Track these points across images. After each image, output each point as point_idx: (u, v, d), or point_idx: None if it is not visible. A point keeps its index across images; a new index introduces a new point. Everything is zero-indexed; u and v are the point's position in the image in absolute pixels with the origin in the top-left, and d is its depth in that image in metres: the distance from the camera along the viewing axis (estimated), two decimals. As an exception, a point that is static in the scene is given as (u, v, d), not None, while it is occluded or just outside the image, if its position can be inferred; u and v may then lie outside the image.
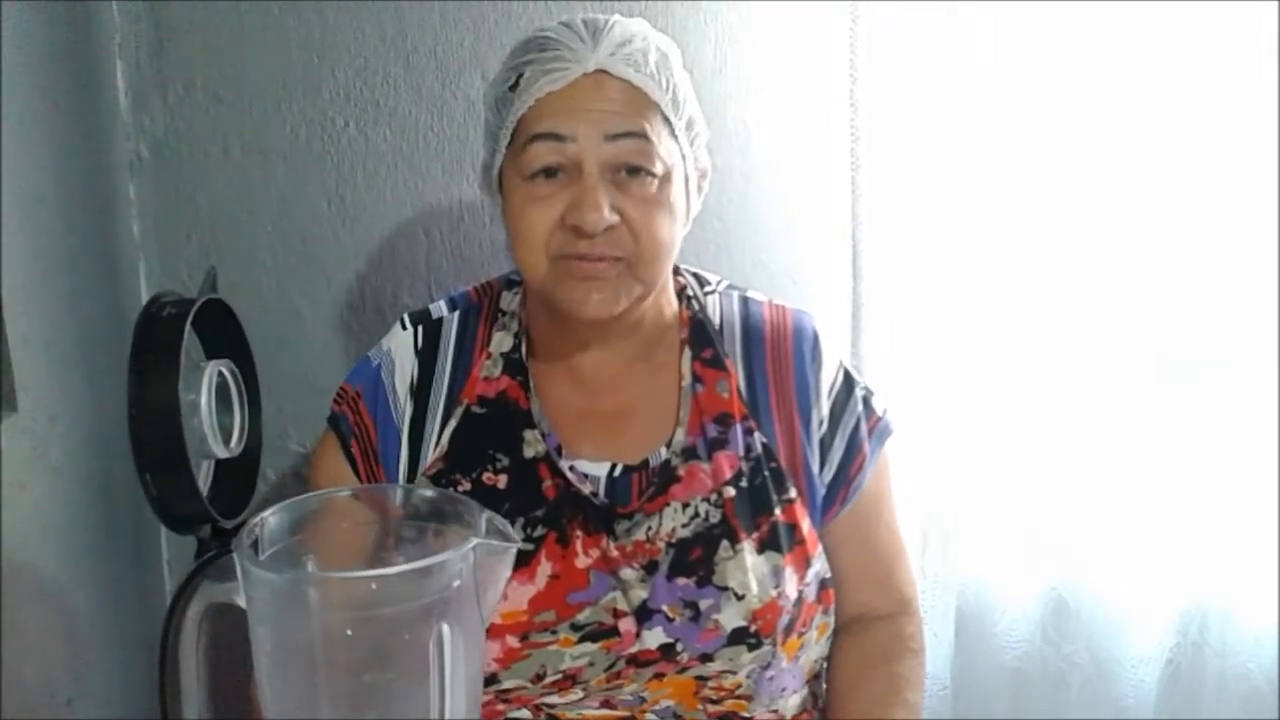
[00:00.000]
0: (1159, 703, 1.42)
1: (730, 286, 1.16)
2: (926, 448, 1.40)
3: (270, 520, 0.85)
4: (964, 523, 1.42)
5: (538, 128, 0.97)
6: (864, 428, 1.10)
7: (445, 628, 0.78)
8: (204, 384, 0.95)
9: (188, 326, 0.92)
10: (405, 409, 1.08)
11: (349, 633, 0.79)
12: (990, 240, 1.37)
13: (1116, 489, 1.37)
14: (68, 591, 1.16)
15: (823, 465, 1.08)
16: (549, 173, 0.98)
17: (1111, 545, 1.39)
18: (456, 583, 0.79)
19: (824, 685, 1.16)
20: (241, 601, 0.82)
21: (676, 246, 1.03)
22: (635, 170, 0.97)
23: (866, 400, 1.12)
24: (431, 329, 1.11)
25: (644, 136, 0.97)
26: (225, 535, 0.95)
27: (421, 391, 1.09)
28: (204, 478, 0.99)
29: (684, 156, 1.02)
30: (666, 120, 0.99)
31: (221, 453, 0.98)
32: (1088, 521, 1.39)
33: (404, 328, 1.12)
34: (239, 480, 1.04)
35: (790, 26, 1.41)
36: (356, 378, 1.12)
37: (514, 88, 0.99)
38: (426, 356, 1.10)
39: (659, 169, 0.98)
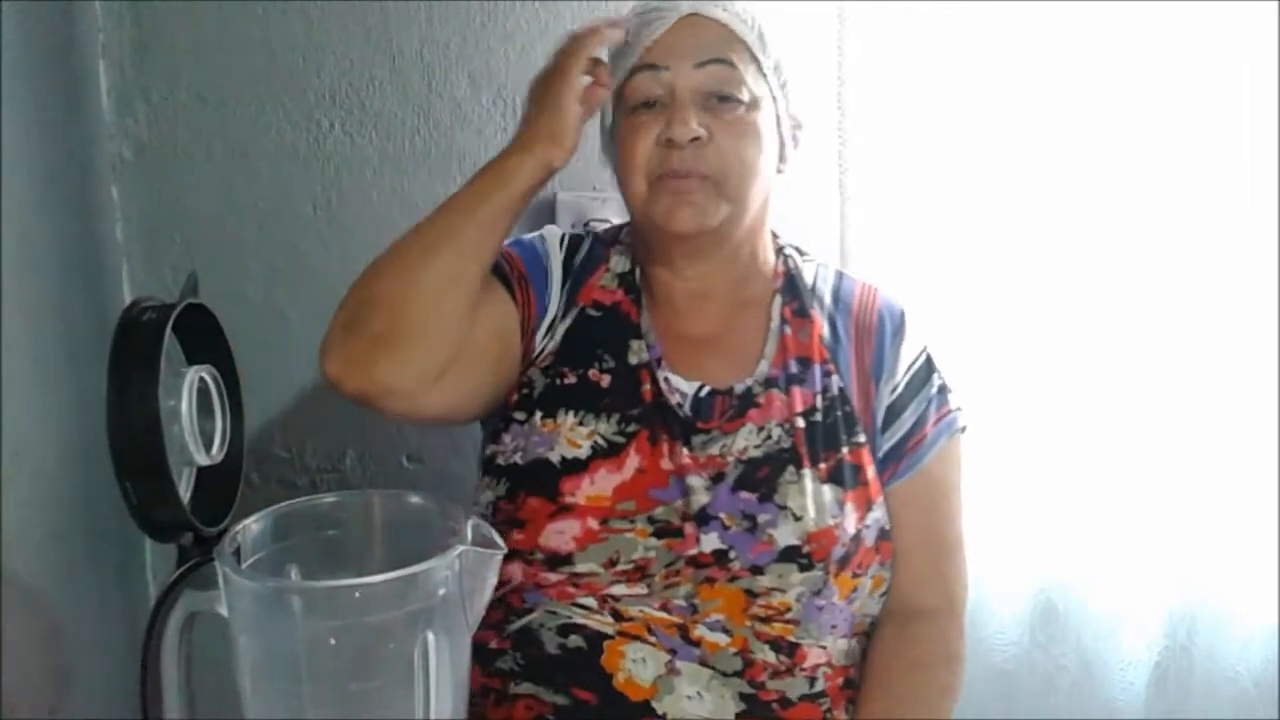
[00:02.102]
0: (1148, 705, 1.42)
1: (829, 264, 1.24)
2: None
3: (253, 528, 0.85)
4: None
5: (639, 62, 1.10)
6: (933, 411, 1.16)
7: (430, 636, 0.78)
8: (185, 390, 0.94)
9: (168, 332, 0.91)
10: (555, 279, 1.17)
11: (333, 642, 0.79)
12: (979, 243, 1.37)
13: (1105, 493, 1.38)
14: (50, 599, 1.15)
15: (886, 428, 1.14)
16: (649, 105, 1.10)
17: (1100, 549, 1.39)
18: (442, 591, 0.79)
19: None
20: (224, 610, 0.81)
21: (765, 176, 1.12)
22: (725, 98, 1.09)
23: (942, 390, 1.17)
24: (574, 239, 1.22)
25: (730, 64, 1.09)
26: (207, 543, 0.94)
27: (562, 280, 1.18)
28: (185, 485, 0.98)
29: (774, 98, 1.12)
30: (754, 58, 1.10)
31: (203, 460, 0.97)
32: (1076, 525, 1.39)
33: (554, 228, 1.24)
34: (221, 487, 1.03)
35: (776, 28, 1.40)
36: (515, 245, 1.20)
37: (627, 42, 1.12)
38: (569, 254, 1.20)
39: (746, 97, 1.09)
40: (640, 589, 1.06)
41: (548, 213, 1.43)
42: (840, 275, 1.22)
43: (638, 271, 1.19)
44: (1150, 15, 1.29)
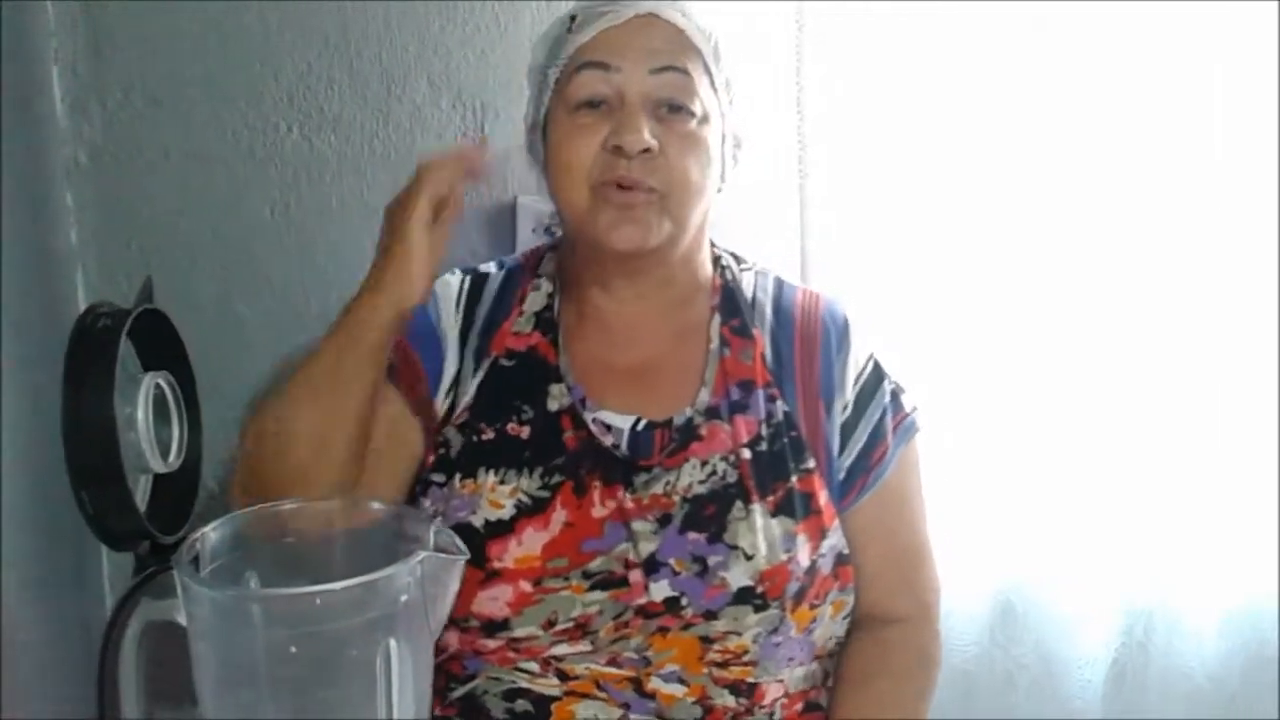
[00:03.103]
0: (1105, 702, 1.44)
1: (766, 269, 1.19)
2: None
3: (211, 535, 0.84)
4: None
5: (587, 57, 1.04)
6: (889, 420, 1.12)
7: (392, 643, 0.77)
8: (141, 397, 0.93)
9: (123, 338, 0.90)
10: (449, 348, 1.11)
11: (293, 650, 0.78)
12: (939, 246, 1.38)
13: (1062, 494, 1.39)
14: (3, 609, 1.13)
15: (843, 449, 1.10)
16: (593, 105, 1.03)
17: (1057, 549, 1.40)
18: (404, 597, 0.78)
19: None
20: (182, 619, 0.80)
21: (709, 195, 1.07)
22: (676, 108, 1.03)
23: (895, 395, 1.13)
24: (478, 281, 1.16)
25: (685, 73, 1.03)
26: (165, 551, 0.93)
27: (463, 334, 1.12)
28: (142, 493, 0.97)
29: (722, 114, 1.07)
30: (707, 70, 1.05)
31: (160, 467, 0.96)
32: (1034, 527, 1.40)
33: (453, 274, 1.16)
34: (179, 495, 1.02)
35: (736, 32, 1.40)
36: None
37: (569, 30, 1.06)
38: (470, 302, 1.14)
39: (698, 109, 1.04)
40: (584, 646, 1.02)
41: (509, 217, 1.43)
42: (780, 284, 1.17)
43: (556, 305, 1.13)
44: (1115, 16, 1.31)
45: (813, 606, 1.06)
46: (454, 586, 0.82)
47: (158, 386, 0.96)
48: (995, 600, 1.44)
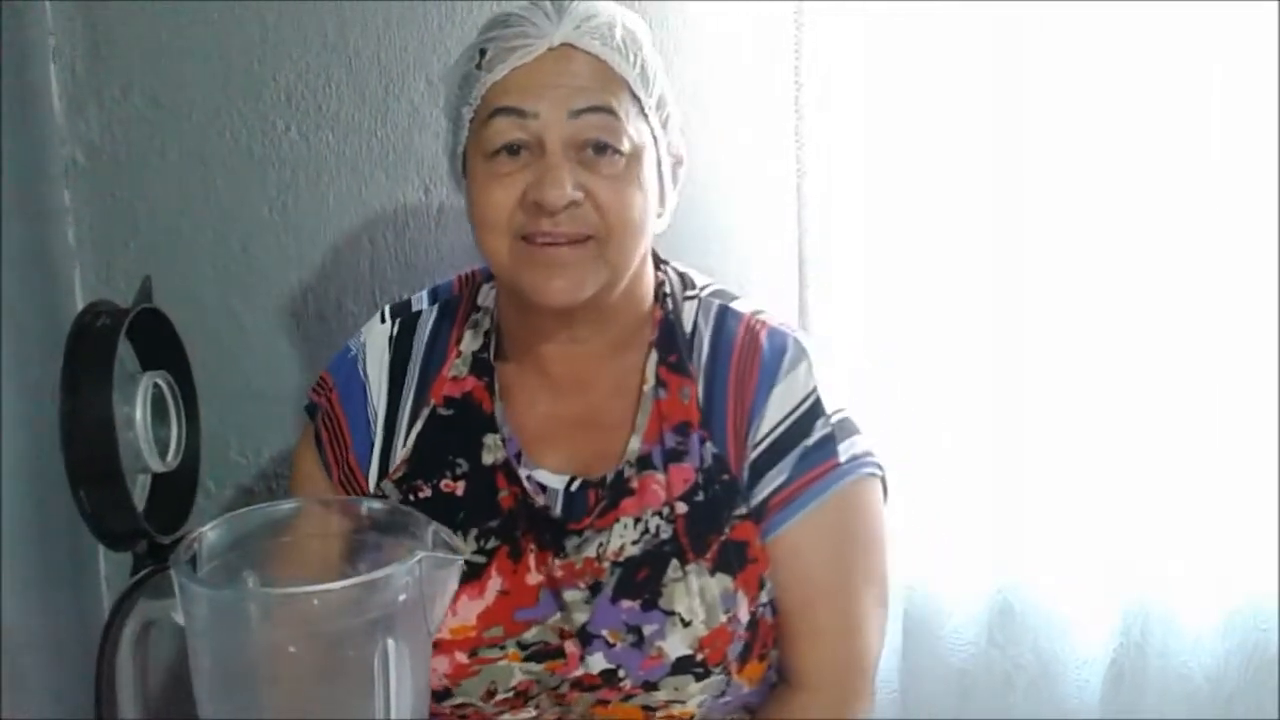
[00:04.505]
0: (1103, 703, 1.44)
1: (716, 294, 1.09)
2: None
3: (209, 535, 0.84)
4: (910, 527, 1.42)
5: (500, 102, 0.95)
6: (815, 469, 1.01)
7: (391, 643, 0.77)
8: (139, 396, 0.93)
9: (121, 337, 0.90)
10: (379, 405, 1.07)
11: (291, 649, 0.78)
12: (939, 247, 1.38)
13: (1060, 493, 1.39)
14: (1, 608, 1.13)
15: (751, 486, 1.01)
16: (511, 150, 0.95)
17: (1055, 549, 1.40)
18: (402, 597, 0.78)
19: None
20: (180, 618, 0.80)
21: (648, 230, 1.00)
22: (602, 148, 0.95)
23: (826, 441, 1.01)
24: (409, 323, 1.09)
25: (610, 112, 0.95)
26: (163, 551, 0.93)
27: (394, 388, 1.07)
28: (140, 492, 0.97)
29: (655, 139, 0.99)
30: (635, 97, 0.97)
31: (158, 467, 0.96)
32: (1032, 526, 1.40)
33: (383, 320, 1.11)
34: (177, 494, 1.01)
35: (735, 31, 1.41)
36: (335, 369, 1.11)
37: (479, 66, 0.97)
38: (401, 351, 1.08)
39: (626, 147, 0.95)
40: (528, 712, 0.99)
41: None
42: (724, 312, 1.06)
43: (492, 347, 1.06)
44: (1115, 16, 1.30)
45: (762, 659, 1.00)
46: (452, 586, 0.82)
47: (156, 386, 0.96)
48: (993, 600, 1.44)
